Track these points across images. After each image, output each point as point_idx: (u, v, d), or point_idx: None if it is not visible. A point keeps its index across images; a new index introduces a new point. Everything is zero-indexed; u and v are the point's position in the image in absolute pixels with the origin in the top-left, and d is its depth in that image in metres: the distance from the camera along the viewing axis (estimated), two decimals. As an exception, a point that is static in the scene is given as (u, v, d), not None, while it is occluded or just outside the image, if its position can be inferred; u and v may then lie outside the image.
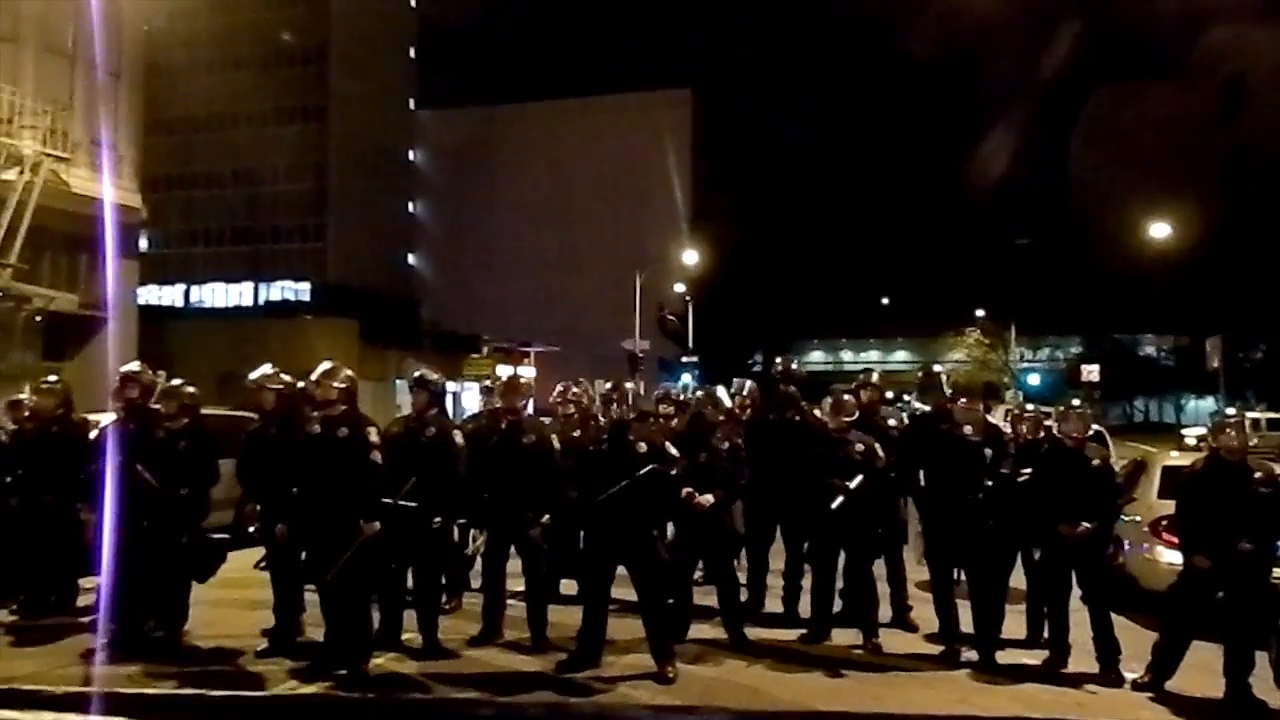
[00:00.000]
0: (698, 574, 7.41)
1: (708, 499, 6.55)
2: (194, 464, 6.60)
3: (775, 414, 7.61)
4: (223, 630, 6.84)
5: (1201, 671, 5.92)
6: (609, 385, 6.59)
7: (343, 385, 6.07)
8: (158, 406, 6.72)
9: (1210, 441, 6.16)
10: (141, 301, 22.05)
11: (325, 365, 6.18)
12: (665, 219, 74.19)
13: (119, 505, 6.39)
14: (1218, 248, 44.76)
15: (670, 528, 6.64)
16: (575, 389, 7.73)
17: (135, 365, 7.18)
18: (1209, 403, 38.94)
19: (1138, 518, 8.36)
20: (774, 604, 7.59)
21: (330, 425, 6.01)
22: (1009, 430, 7.34)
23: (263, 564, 6.64)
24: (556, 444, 6.84)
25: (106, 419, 7.26)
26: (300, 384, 6.84)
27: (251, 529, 6.67)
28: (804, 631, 6.95)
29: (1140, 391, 57.75)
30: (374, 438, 6.03)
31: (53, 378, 7.80)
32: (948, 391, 7.30)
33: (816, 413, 7.98)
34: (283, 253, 75.16)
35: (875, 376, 8.01)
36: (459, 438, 6.74)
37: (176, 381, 6.90)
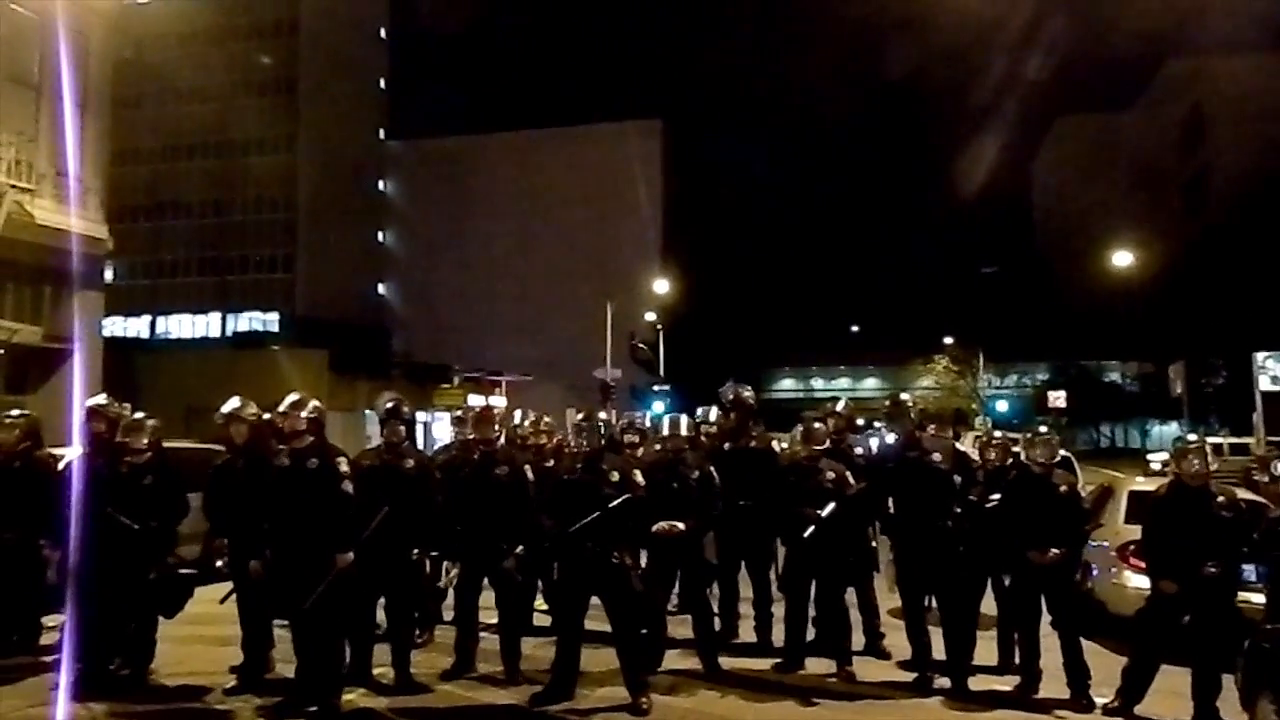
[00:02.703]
0: (671, 604, 7.38)
1: (678, 525, 6.56)
2: (161, 498, 6.50)
3: (730, 442, 7.61)
4: (191, 667, 6.72)
5: (1170, 695, 5.99)
6: (581, 415, 6.60)
7: (311, 416, 6.03)
8: (124, 441, 6.61)
9: (1173, 467, 6.26)
10: (106, 333, 21.75)
11: (292, 397, 6.14)
12: (636, 248, 74.51)
13: (85, 542, 6.28)
14: (1180, 275, 45.56)
15: (644, 557, 6.63)
16: (547, 419, 7.72)
17: (101, 399, 7.08)
18: (1173, 428, 39.52)
19: (1105, 543, 8.45)
20: (747, 633, 7.59)
21: (299, 457, 5.95)
22: (976, 457, 7.41)
23: (228, 598, 6.54)
24: (530, 474, 6.82)
25: (72, 453, 7.14)
26: (267, 415, 6.79)
27: (219, 563, 6.57)
28: (777, 660, 6.96)
29: (1106, 417, 58.47)
30: (344, 468, 5.98)
31: (16, 411, 7.64)
32: (915, 419, 7.34)
33: (776, 441, 8.01)
34: (251, 283, 74.58)
35: (841, 405, 8.04)
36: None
37: (139, 415, 6.79)
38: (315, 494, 5.83)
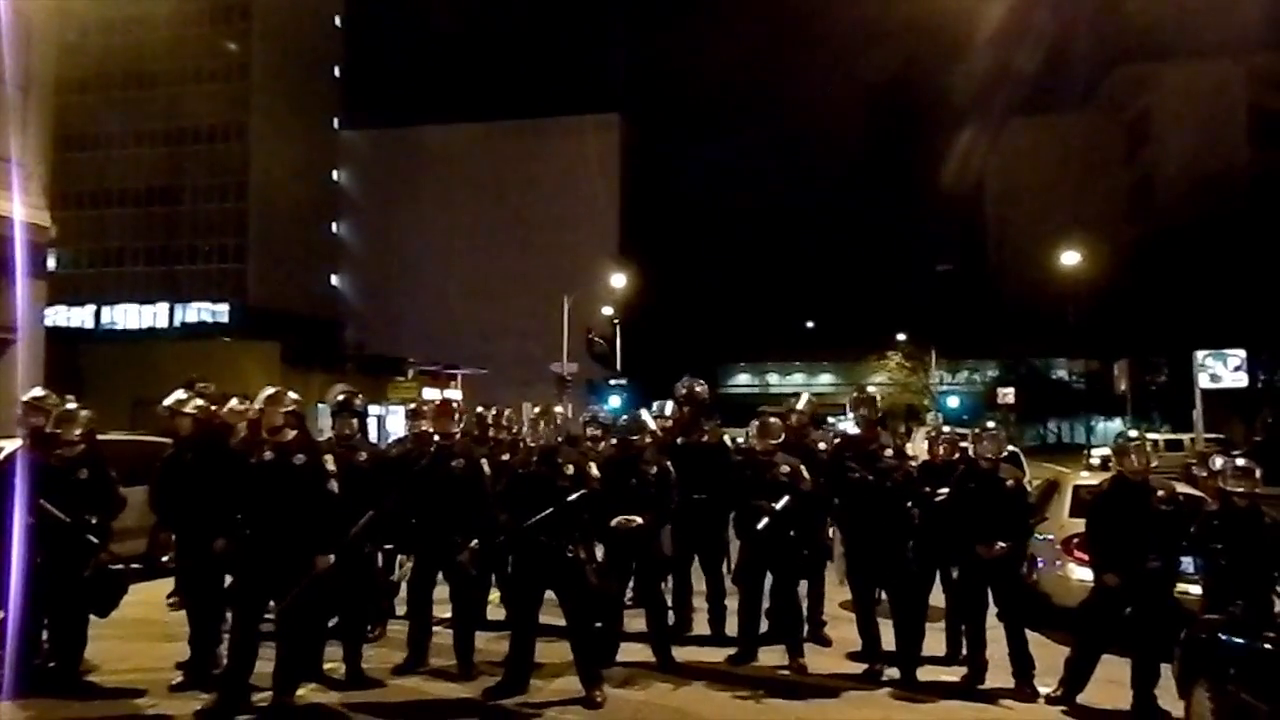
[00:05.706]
0: (627, 597, 7.40)
1: (636, 520, 6.58)
2: (96, 492, 6.31)
3: (683, 436, 7.65)
4: (136, 664, 6.61)
5: (1110, 684, 6.16)
6: (537, 409, 6.59)
7: (289, 410, 5.87)
8: (55, 432, 6.40)
9: (1116, 463, 6.41)
10: (49, 323, 21.23)
11: (268, 390, 6.00)
12: (593, 242, 74.37)
13: (23, 537, 6.11)
14: (1125, 275, 46.56)
15: (599, 551, 6.64)
16: (503, 411, 7.69)
17: (39, 390, 6.90)
18: (1117, 424, 40.38)
19: (1050, 536, 8.62)
20: (701, 626, 7.63)
21: (284, 452, 5.78)
22: (925, 453, 7.51)
23: (173, 599, 6.43)
24: (487, 468, 6.78)
25: (11, 445, 6.96)
26: (214, 405, 6.68)
27: (165, 559, 6.44)
28: (731, 653, 7.01)
29: (1053, 413, 59.54)
30: (331, 466, 5.84)
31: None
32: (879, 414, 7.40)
33: (728, 436, 8.05)
34: (200, 273, 73.28)
35: (804, 401, 8.10)
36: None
37: (71, 405, 6.53)
38: (300, 491, 5.67)
